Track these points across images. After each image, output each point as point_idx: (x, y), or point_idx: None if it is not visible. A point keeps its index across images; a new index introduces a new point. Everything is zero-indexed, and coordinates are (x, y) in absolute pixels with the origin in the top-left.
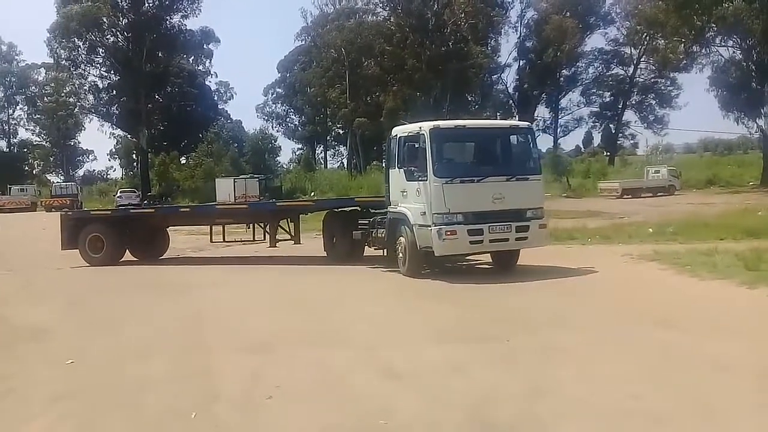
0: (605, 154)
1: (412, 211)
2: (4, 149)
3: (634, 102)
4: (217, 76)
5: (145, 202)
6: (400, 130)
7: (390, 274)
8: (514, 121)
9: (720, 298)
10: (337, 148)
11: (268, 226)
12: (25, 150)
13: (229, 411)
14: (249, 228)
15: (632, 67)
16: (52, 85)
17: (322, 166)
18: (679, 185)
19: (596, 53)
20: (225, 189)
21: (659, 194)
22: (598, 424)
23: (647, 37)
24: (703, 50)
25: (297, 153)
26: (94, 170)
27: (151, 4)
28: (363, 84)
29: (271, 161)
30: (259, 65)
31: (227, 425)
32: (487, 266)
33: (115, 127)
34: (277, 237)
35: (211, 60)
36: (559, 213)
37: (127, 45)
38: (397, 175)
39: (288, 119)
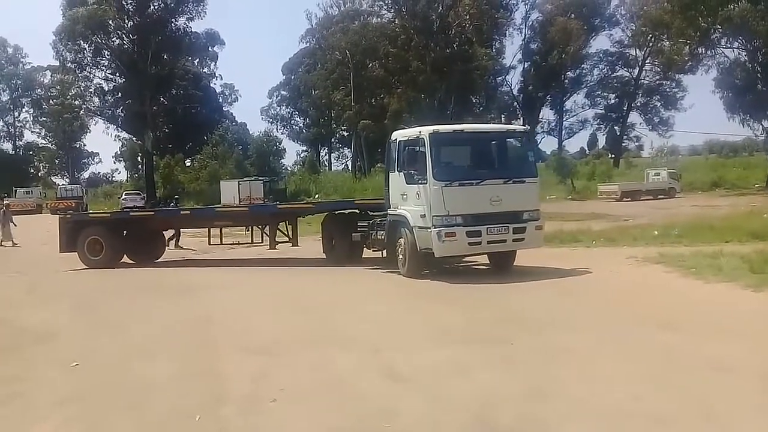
0: (610, 156)
1: (412, 214)
2: (10, 151)
3: (639, 104)
4: (222, 79)
5: (171, 203)
6: (399, 135)
7: (390, 275)
8: (511, 125)
9: (725, 301)
10: (341, 150)
11: (267, 229)
12: (31, 152)
13: (234, 413)
14: (248, 231)
15: (637, 68)
16: (58, 87)
17: (327, 168)
18: (679, 188)
19: (601, 55)
20: (230, 191)
21: (659, 197)
22: (600, 425)
23: (652, 39)
24: (709, 52)
25: (301, 155)
26: (99, 173)
27: (156, 7)
28: (367, 86)
29: (275, 163)
30: (263, 67)
31: (232, 427)
32: (484, 267)
33: (120, 129)
34: (276, 239)
35: (216, 62)
36: (563, 215)
37: (132, 47)
38: (396, 178)
39: (292, 121)
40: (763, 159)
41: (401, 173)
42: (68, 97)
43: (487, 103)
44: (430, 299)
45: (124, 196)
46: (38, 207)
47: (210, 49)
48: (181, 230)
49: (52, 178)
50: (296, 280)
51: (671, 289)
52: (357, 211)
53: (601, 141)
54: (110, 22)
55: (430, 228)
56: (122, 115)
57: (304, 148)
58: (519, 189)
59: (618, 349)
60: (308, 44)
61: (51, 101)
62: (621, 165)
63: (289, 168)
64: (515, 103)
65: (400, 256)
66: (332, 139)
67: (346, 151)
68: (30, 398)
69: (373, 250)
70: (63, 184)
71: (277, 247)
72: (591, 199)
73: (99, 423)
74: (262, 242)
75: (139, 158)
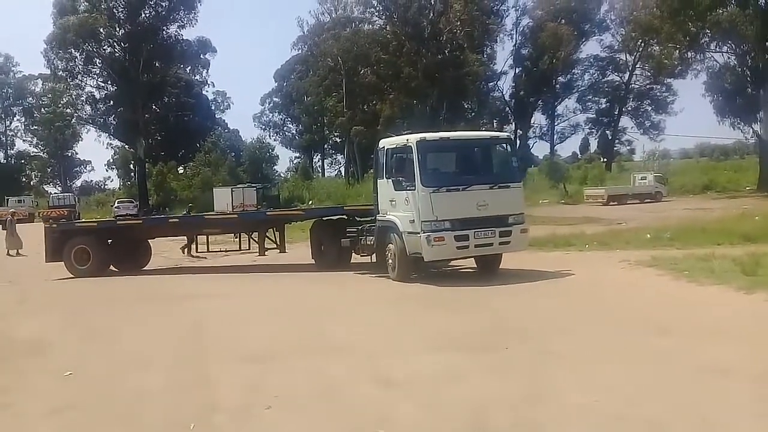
0: (602, 160)
1: (401, 219)
2: (2, 161)
3: (630, 108)
4: (214, 86)
5: (185, 212)
6: (387, 143)
7: (379, 279)
8: (494, 132)
9: (718, 304)
10: (334, 156)
11: (257, 236)
12: (23, 161)
13: (228, 421)
14: (236, 238)
15: (628, 73)
16: (49, 96)
17: (320, 174)
18: (665, 192)
19: (591, 60)
20: (223, 198)
21: (646, 201)
22: (595, 429)
23: (642, 44)
24: (698, 56)
25: (294, 162)
26: (91, 181)
27: (147, 15)
28: (360, 92)
29: (268, 170)
30: (255, 74)
31: None
32: (471, 270)
33: (112, 137)
34: (265, 246)
35: (208, 70)
36: (556, 219)
37: (124, 55)
38: (385, 185)
39: (285, 128)
40: (754, 162)
41: (389, 180)
42: (60, 105)
43: (479, 109)
44: (422, 304)
45: (116, 204)
46: (30, 216)
47: (202, 56)
48: (195, 238)
49: (44, 186)
50: (287, 286)
51: (664, 292)
52: (345, 217)
53: (593, 145)
54: (101, 31)
55: (419, 233)
56: (114, 123)
57: (297, 154)
58: (504, 194)
59: (612, 353)
60: (300, 51)
61: (42, 110)
62: (613, 169)
63: (282, 174)
64: (507, 109)
65: (390, 261)
66: (325, 146)
67: (339, 157)
68: (22, 409)
69: (362, 256)
70: (55, 193)
71: (266, 253)
72: (583, 203)
73: None
74: (249, 249)
75: (131, 166)
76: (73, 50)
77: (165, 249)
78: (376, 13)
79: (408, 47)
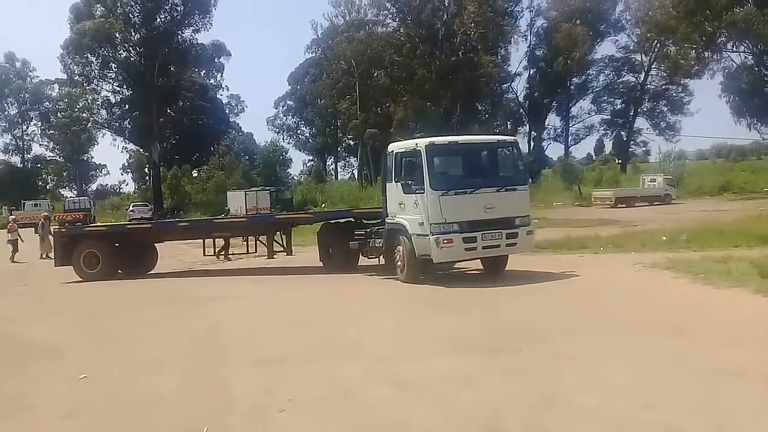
0: (617, 161)
1: (410, 222)
2: (18, 165)
3: (645, 109)
4: (228, 90)
5: (222, 215)
6: (396, 147)
7: (388, 281)
8: (502, 136)
9: (735, 306)
10: (347, 159)
11: (265, 239)
12: (39, 165)
13: (242, 424)
14: (244, 241)
15: (643, 74)
16: (66, 100)
17: (333, 177)
18: (675, 194)
19: (606, 61)
20: (236, 201)
21: (655, 203)
22: None
23: (658, 44)
24: (715, 56)
25: (308, 165)
26: (106, 185)
27: (162, 19)
28: (373, 95)
29: (282, 173)
30: (269, 78)
31: None
32: (477, 272)
33: (127, 141)
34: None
35: (222, 73)
36: (570, 222)
37: (139, 60)
38: (394, 188)
39: (299, 131)
40: None
41: (398, 183)
42: (76, 109)
43: (493, 111)
44: (432, 306)
45: (131, 208)
46: (47, 219)
47: (216, 60)
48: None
49: (60, 190)
50: (298, 289)
51: (680, 295)
52: (353, 220)
53: (608, 146)
54: (117, 35)
55: (428, 235)
56: (129, 127)
57: (311, 157)
58: (511, 196)
59: (627, 356)
60: (314, 54)
61: (59, 114)
62: (628, 170)
63: (295, 177)
64: (521, 110)
65: (399, 263)
66: (338, 149)
67: (353, 160)
68: (37, 412)
69: (370, 258)
70: (71, 197)
71: (275, 256)
72: (592, 206)
73: None
74: (255, 252)
75: (146, 170)
76: (89, 55)
77: (179, 252)
78: (390, 16)
79: (421, 49)
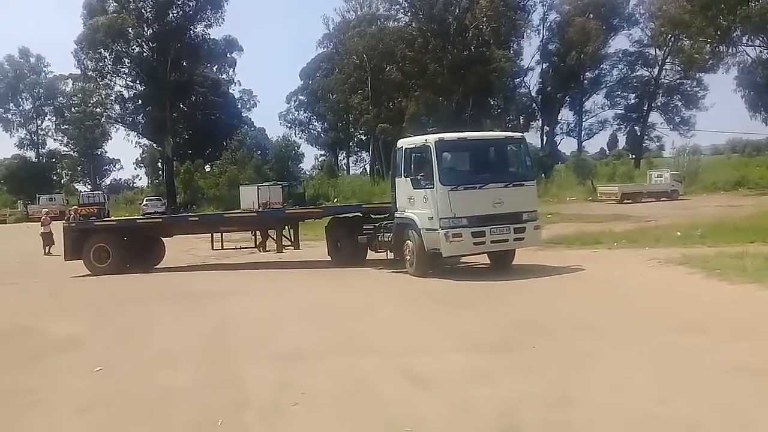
0: (630, 156)
1: (420, 217)
2: (33, 159)
3: (659, 103)
4: (240, 85)
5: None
6: (405, 143)
7: (397, 275)
8: (509, 133)
9: (750, 302)
10: (359, 154)
11: (275, 233)
12: (54, 160)
13: (256, 418)
14: (253, 235)
15: (657, 68)
16: (80, 95)
17: (345, 172)
18: (682, 190)
19: (620, 55)
20: (249, 196)
21: (662, 199)
22: (626, 430)
23: (672, 38)
24: (730, 50)
25: (320, 159)
26: (120, 179)
27: (175, 14)
28: (385, 90)
29: (294, 168)
30: (281, 73)
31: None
32: (484, 266)
33: (140, 136)
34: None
35: (234, 68)
36: (584, 217)
37: (152, 55)
38: (403, 183)
39: (311, 126)
40: None
41: (408, 179)
42: (89, 104)
43: (505, 105)
44: (444, 300)
45: (145, 202)
46: (61, 213)
47: (228, 55)
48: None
49: (75, 185)
50: (308, 283)
51: (695, 291)
52: (360, 214)
53: (622, 141)
54: (130, 30)
55: (437, 229)
56: (142, 121)
57: (323, 152)
58: (518, 192)
59: (642, 352)
60: (326, 49)
61: (73, 109)
62: (642, 165)
63: (307, 172)
64: (534, 105)
65: (408, 257)
66: (350, 143)
67: (364, 154)
68: (53, 405)
69: (378, 252)
70: (85, 191)
71: (284, 250)
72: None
73: (123, 429)
74: (264, 246)
75: (159, 164)
76: (102, 50)
77: (192, 246)
78: (402, 10)
79: (433, 44)
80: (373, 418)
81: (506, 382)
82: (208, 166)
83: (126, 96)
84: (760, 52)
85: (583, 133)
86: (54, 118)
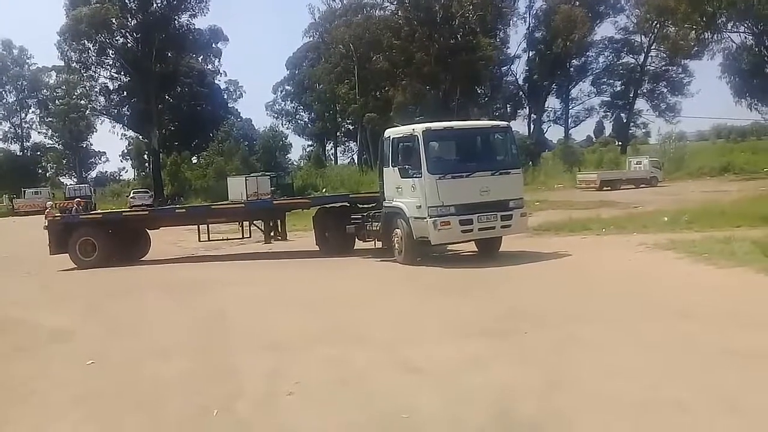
0: (617, 143)
1: (408, 205)
2: (18, 153)
3: (645, 90)
4: (226, 75)
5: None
6: (393, 132)
7: (386, 263)
8: (495, 122)
9: (738, 286)
10: (347, 144)
11: (263, 225)
12: (38, 153)
13: (251, 407)
14: (240, 227)
15: (643, 55)
16: (63, 87)
17: (333, 162)
18: (661, 176)
19: (606, 42)
20: (237, 187)
21: (641, 186)
22: (620, 415)
23: (657, 25)
24: (715, 36)
25: (307, 150)
26: (106, 172)
27: (159, 4)
28: (372, 79)
29: (281, 158)
30: (267, 63)
31: (249, 421)
32: (471, 253)
33: (126, 128)
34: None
35: (220, 59)
36: (572, 204)
37: (136, 46)
38: (391, 172)
39: (297, 116)
40: None
41: (395, 168)
42: (74, 97)
43: (492, 94)
44: (434, 288)
45: (132, 195)
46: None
47: (213, 45)
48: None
49: (60, 178)
50: (298, 273)
51: (684, 275)
52: (348, 204)
53: (608, 128)
54: (113, 21)
55: (425, 218)
56: (128, 113)
57: (310, 142)
58: (505, 180)
59: (633, 337)
60: (312, 38)
61: (57, 101)
62: (628, 152)
63: (295, 163)
64: (520, 93)
65: (396, 245)
66: (338, 133)
67: (352, 144)
68: (47, 396)
69: (365, 241)
70: (71, 184)
71: (272, 241)
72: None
73: (118, 419)
74: (250, 237)
75: (145, 156)
76: (86, 41)
77: (181, 239)
78: None
79: (420, 32)
80: (368, 406)
81: (499, 369)
82: (194, 157)
83: (111, 88)
84: (745, 38)
85: (569, 120)
86: (38, 111)
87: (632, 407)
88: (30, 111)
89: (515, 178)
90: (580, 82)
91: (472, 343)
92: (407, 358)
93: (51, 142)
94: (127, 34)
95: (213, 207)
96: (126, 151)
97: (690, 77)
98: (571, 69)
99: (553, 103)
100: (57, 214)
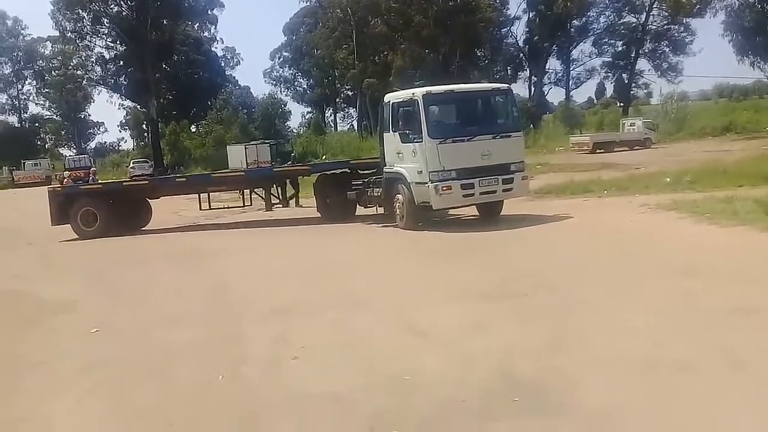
0: (618, 104)
1: (409, 171)
2: (16, 125)
3: (647, 50)
4: (223, 42)
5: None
6: (392, 97)
7: (388, 229)
8: (496, 84)
9: (742, 245)
10: (347, 110)
11: (263, 192)
12: (36, 124)
13: (256, 371)
14: (240, 195)
15: (644, 14)
16: (59, 58)
17: (333, 129)
18: (655, 138)
19: (607, 1)
20: (237, 156)
21: (635, 148)
22: (623, 374)
23: None
24: None
25: (307, 117)
26: (105, 142)
27: None
28: (371, 43)
29: (281, 126)
30: (264, 29)
31: (255, 385)
32: (472, 218)
33: (123, 98)
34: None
35: (216, 26)
36: (573, 166)
37: (131, 14)
38: (391, 138)
39: (296, 83)
40: None
41: (396, 133)
42: (70, 67)
43: (492, 56)
44: (436, 252)
45: (132, 165)
46: (47, 179)
47: (209, 12)
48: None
49: (59, 149)
50: (300, 240)
51: (686, 235)
52: (348, 171)
53: (609, 90)
54: None
55: (427, 183)
56: (125, 83)
57: (309, 109)
58: (506, 143)
59: (636, 297)
60: (308, 3)
61: (53, 72)
62: (630, 113)
63: (294, 130)
64: (521, 55)
65: (398, 211)
66: (337, 100)
67: (352, 110)
68: (55, 366)
69: (367, 207)
70: (71, 155)
71: (273, 209)
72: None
73: (124, 388)
74: (251, 205)
75: (144, 126)
76: (80, 10)
77: (183, 208)
78: None
79: None
80: (372, 369)
81: (502, 331)
82: (193, 126)
83: (107, 57)
84: None
85: (570, 82)
86: (35, 82)
87: (636, 366)
88: (27, 82)
89: (516, 141)
90: (581, 43)
91: (475, 307)
92: (411, 322)
93: (49, 114)
94: (122, 2)
95: (213, 175)
96: (124, 121)
97: (692, 36)
98: (572, 30)
99: (554, 64)
100: (72, 184)
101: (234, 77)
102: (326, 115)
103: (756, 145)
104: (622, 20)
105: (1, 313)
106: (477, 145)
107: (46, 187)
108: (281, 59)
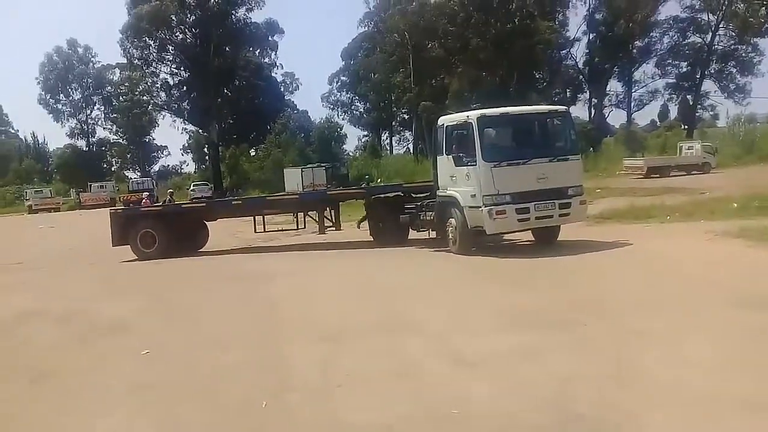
0: (683, 127)
1: (462, 194)
2: (84, 148)
3: (713, 71)
4: (282, 68)
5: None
6: (446, 120)
7: (440, 253)
8: (553, 106)
9: None
10: (402, 133)
11: (317, 215)
12: (103, 148)
13: (300, 398)
14: (295, 218)
15: (710, 34)
16: (126, 84)
17: (388, 152)
18: (714, 162)
19: (671, 22)
20: (293, 179)
21: (693, 173)
22: (688, 411)
23: (725, 2)
24: None
25: (363, 140)
26: (168, 165)
27: (216, 0)
28: (427, 67)
29: (337, 149)
30: (323, 54)
31: (298, 412)
32: (527, 243)
33: (186, 122)
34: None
35: (276, 52)
36: (635, 190)
37: (195, 41)
38: (445, 161)
39: (353, 107)
40: None
41: (450, 156)
42: (136, 93)
43: (551, 78)
44: (489, 278)
45: (192, 187)
46: (112, 200)
47: (270, 38)
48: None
49: (125, 172)
50: (354, 263)
51: (754, 264)
52: (401, 194)
53: (673, 112)
54: (173, 18)
55: (480, 207)
56: (188, 108)
57: (365, 132)
58: (563, 166)
59: (701, 329)
60: (367, 28)
61: (120, 98)
62: (695, 136)
63: (350, 153)
64: (581, 77)
65: (451, 235)
66: (393, 123)
67: (407, 134)
68: (105, 387)
69: (419, 231)
70: (134, 178)
71: (326, 231)
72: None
73: (170, 410)
74: (305, 228)
75: (205, 150)
76: (147, 38)
77: (240, 230)
78: None
79: (476, 18)
80: (419, 399)
81: (558, 362)
82: (253, 150)
83: (171, 83)
84: None
85: (632, 104)
86: (103, 107)
87: (701, 403)
88: (95, 107)
89: (574, 164)
90: (644, 64)
91: (529, 336)
92: (462, 350)
93: (115, 138)
94: (186, 30)
95: (268, 198)
96: (186, 144)
97: (760, 56)
98: (634, 51)
99: (614, 86)
100: (142, 206)
101: (293, 101)
102: (382, 138)
103: None
104: (686, 40)
105: (57, 332)
106: (533, 169)
107: (109, 208)
108: (339, 83)
